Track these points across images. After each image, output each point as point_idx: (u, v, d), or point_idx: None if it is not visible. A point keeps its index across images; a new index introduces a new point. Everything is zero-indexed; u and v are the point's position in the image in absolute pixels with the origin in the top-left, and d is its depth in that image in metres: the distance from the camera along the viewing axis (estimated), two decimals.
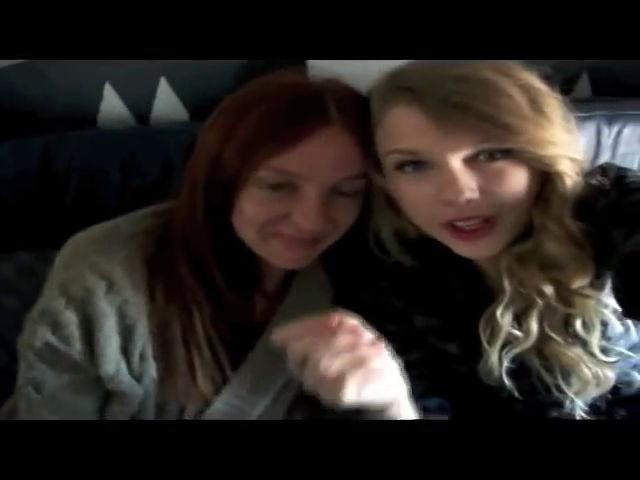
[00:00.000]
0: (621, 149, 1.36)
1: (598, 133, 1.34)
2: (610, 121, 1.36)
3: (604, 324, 0.89)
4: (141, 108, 1.41)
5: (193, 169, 0.93)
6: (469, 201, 0.81)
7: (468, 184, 0.81)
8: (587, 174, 0.88)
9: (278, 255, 0.92)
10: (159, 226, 0.95)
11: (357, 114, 0.89)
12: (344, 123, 0.87)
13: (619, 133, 1.36)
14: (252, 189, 0.87)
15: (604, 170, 0.90)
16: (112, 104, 1.39)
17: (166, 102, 1.42)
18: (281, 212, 0.88)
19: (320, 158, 0.86)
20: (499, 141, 0.79)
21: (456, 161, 0.81)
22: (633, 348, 0.92)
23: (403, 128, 0.84)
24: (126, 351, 0.92)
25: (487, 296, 0.93)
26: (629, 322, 0.90)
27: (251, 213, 0.89)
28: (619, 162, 1.20)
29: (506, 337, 0.90)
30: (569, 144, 0.84)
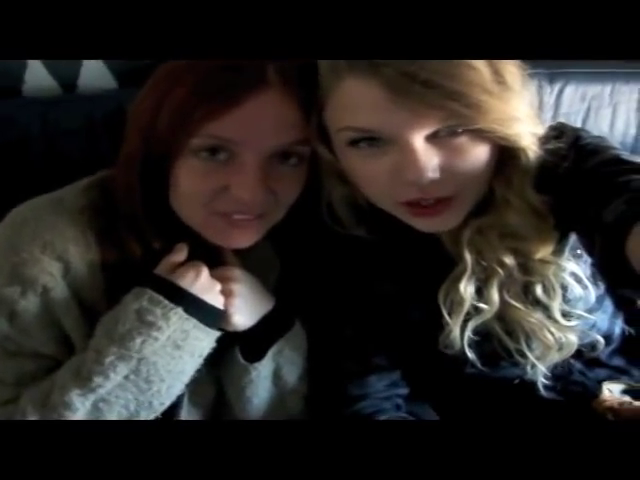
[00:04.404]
0: (563, 108, 1.36)
1: (539, 92, 1.34)
2: (551, 79, 1.37)
3: (564, 287, 0.89)
4: (67, 77, 1.33)
5: (126, 145, 0.88)
6: (431, 180, 0.78)
7: (430, 163, 0.77)
8: (541, 137, 0.86)
9: (222, 235, 0.89)
10: (103, 199, 0.91)
11: (300, 78, 0.85)
12: (284, 86, 0.83)
13: (561, 92, 1.37)
14: (188, 159, 0.84)
15: (558, 131, 0.89)
16: (37, 73, 1.30)
17: (93, 69, 1.33)
18: (219, 184, 0.84)
19: (257, 122, 0.82)
20: (466, 120, 0.76)
21: (419, 140, 0.77)
22: (591, 310, 0.93)
23: (358, 103, 0.78)
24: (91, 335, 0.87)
25: (448, 263, 0.91)
26: (588, 283, 0.90)
27: (188, 187, 0.85)
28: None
29: (468, 309, 0.89)
30: (531, 117, 0.82)
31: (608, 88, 1.37)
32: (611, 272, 0.77)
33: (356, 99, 0.78)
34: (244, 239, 0.90)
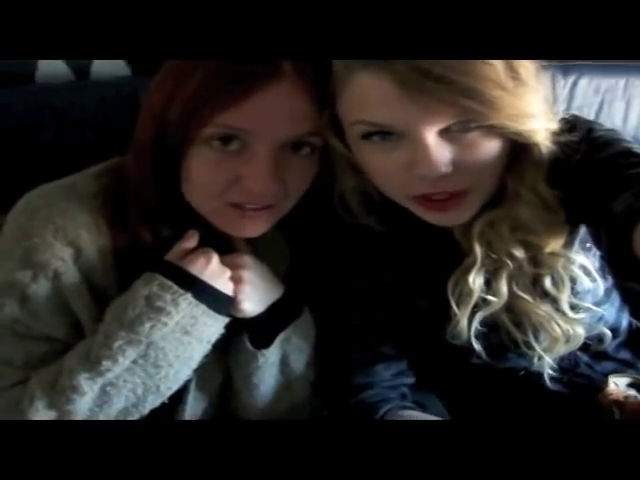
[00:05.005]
0: (577, 101, 1.36)
1: (553, 84, 1.33)
2: (565, 72, 1.36)
3: (572, 280, 0.89)
4: (80, 63, 1.35)
5: (139, 133, 0.89)
6: (443, 175, 0.78)
7: (442, 158, 0.77)
8: (554, 131, 0.85)
9: (233, 225, 0.90)
10: (115, 186, 0.91)
11: (314, 70, 0.84)
12: (298, 78, 0.83)
13: (574, 84, 1.36)
14: (200, 149, 0.84)
15: (571, 124, 0.88)
16: (50, 60, 1.32)
17: None
18: (231, 175, 0.84)
19: (270, 113, 0.82)
20: (480, 117, 0.75)
21: (431, 135, 0.76)
22: (599, 303, 0.93)
23: (372, 98, 0.78)
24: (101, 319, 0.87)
25: (458, 254, 0.91)
26: (596, 276, 0.90)
27: (200, 177, 0.86)
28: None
29: (476, 300, 0.90)
30: (545, 113, 0.81)
31: (622, 81, 1.37)
32: (618, 263, 0.77)
33: (369, 93, 0.78)
34: (254, 229, 0.90)
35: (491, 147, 0.79)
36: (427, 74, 0.73)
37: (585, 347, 0.94)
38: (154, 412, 0.90)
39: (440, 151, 0.77)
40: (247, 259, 0.93)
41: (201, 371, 0.91)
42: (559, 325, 0.89)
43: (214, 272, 0.88)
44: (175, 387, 0.89)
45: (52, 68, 1.32)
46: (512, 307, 0.90)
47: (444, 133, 0.77)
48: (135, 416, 0.89)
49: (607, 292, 0.94)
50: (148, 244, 0.90)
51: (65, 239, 0.85)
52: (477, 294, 0.89)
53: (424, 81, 0.73)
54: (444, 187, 0.80)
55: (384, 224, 0.95)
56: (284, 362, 0.96)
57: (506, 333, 0.92)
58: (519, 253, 0.87)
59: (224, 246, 0.93)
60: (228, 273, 0.89)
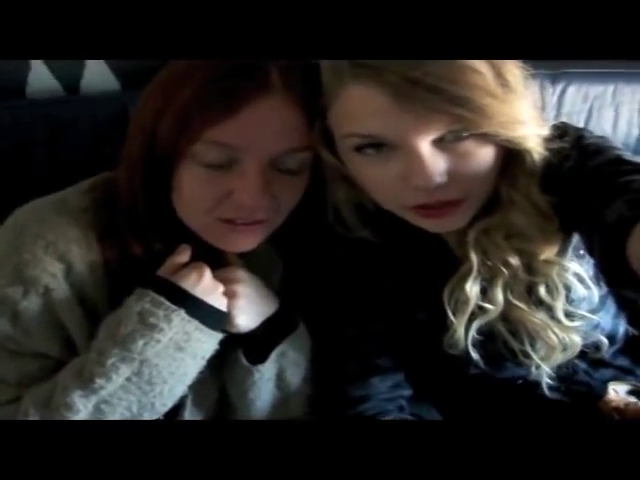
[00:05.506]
0: (566, 108, 1.37)
1: (542, 92, 1.34)
2: (554, 79, 1.37)
3: (567, 288, 0.89)
4: (70, 78, 1.34)
5: (128, 148, 0.88)
6: (438, 185, 0.78)
7: (437, 168, 0.77)
8: (545, 137, 0.85)
9: (224, 239, 0.89)
10: (106, 200, 0.90)
11: (303, 83, 0.84)
12: (287, 92, 0.83)
13: (563, 92, 1.37)
14: (190, 166, 0.83)
15: (561, 131, 0.89)
16: (40, 75, 1.31)
17: (96, 71, 1.34)
18: (222, 191, 0.84)
19: (259, 129, 0.82)
20: (471, 125, 0.75)
21: (425, 145, 0.76)
22: (594, 311, 0.93)
23: (363, 110, 0.78)
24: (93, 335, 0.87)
25: (453, 263, 0.91)
26: (591, 284, 0.90)
27: (190, 193, 0.85)
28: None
29: (473, 309, 0.89)
30: (535, 119, 0.82)
31: (611, 88, 1.38)
32: (611, 272, 0.77)
33: (360, 106, 0.78)
34: (246, 243, 0.90)
35: (484, 155, 0.79)
36: (418, 84, 0.73)
37: (582, 355, 0.94)
38: None
39: (434, 161, 0.77)
40: (241, 273, 0.92)
41: (197, 387, 0.91)
42: (555, 333, 0.89)
43: (207, 287, 0.87)
44: (170, 404, 0.88)
45: (42, 83, 1.32)
46: (508, 316, 0.90)
47: (437, 143, 0.77)
48: None
49: (602, 299, 0.94)
50: (139, 259, 0.89)
51: (55, 254, 0.85)
52: (473, 302, 0.89)
53: (415, 91, 0.73)
54: (439, 197, 0.80)
55: (379, 235, 0.94)
56: (280, 377, 0.95)
57: (503, 342, 0.92)
58: (514, 260, 0.87)
59: (217, 260, 0.92)
60: (221, 288, 0.89)
